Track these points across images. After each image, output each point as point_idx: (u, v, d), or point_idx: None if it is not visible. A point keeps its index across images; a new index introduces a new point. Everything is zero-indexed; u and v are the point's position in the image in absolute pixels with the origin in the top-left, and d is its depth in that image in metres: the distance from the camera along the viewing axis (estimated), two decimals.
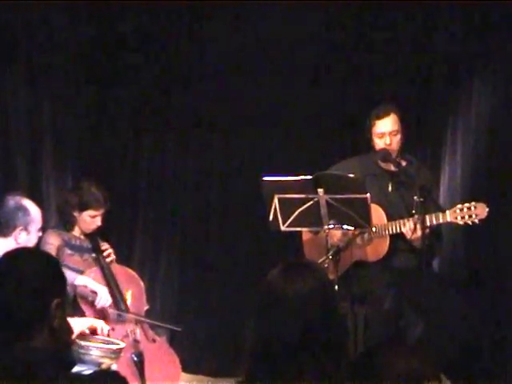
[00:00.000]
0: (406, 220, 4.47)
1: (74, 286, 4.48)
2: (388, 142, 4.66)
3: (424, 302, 4.53)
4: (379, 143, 4.68)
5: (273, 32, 5.55)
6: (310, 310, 2.11)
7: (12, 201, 4.08)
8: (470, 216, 4.43)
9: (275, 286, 2.15)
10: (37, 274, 2.12)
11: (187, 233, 5.91)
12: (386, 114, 4.68)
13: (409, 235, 4.45)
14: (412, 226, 4.39)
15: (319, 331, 2.11)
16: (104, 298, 4.47)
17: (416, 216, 4.39)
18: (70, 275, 4.39)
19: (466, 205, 4.46)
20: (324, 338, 2.11)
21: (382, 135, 4.67)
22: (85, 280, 4.49)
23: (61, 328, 2.14)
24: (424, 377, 1.85)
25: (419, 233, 4.38)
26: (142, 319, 4.68)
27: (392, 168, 4.71)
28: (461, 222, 4.45)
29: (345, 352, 2.19)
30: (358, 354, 2.12)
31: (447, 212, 4.46)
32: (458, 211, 4.45)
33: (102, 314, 4.48)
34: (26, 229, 4.06)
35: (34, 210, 4.13)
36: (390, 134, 4.67)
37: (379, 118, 4.68)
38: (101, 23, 5.65)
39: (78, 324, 3.91)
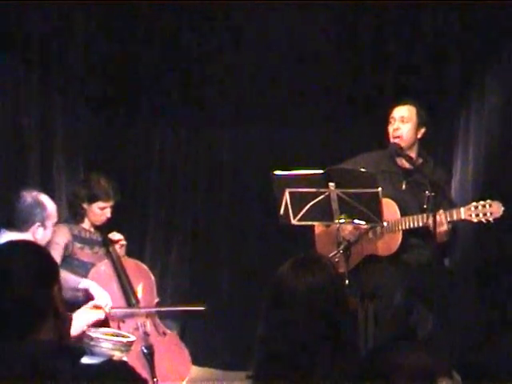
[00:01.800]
0: (422, 215, 4.43)
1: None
2: (395, 126, 4.63)
3: (435, 298, 4.51)
4: (390, 131, 4.67)
5: (281, 27, 5.55)
6: (320, 304, 2.11)
7: (29, 197, 4.11)
8: (485, 214, 4.37)
9: (285, 280, 2.15)
10: (34, 263, 2.13)
11: (198, 227, 5.92)
12: (403, 103, 4.67)
13: (437, 229, 4.41)
14: (441, 219, 4.36)
15: (329, 325, 2.11)
16: (102, 303, 4.37)
17: (441, 210, 4.37)
18: (74, 280, 4.40)
19: (481, 203, 4.40)
20: (334, 332, 2.11)
21: (392, 120, 4.66)
22: (88, 283, 4.45)
23: (63, 313, 2.16)
24: (435, 373, 1.85)
25: (445, 227, 4.36)
26: (164, 309, 4.69)
27: (406, 165, 4.68)
28: (475, 220, 4.39)
29: (355, 347, 2.19)
30: (368, 351, 2.12)
31: (461, 209, 4.42)
32: (472, 209, 4.39)
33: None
34: (43, 224, 4.10)
35: (50, 206, 4.17)
36: (400, 119, 4.64)
37: (395, 106, 4.68)
38: (115, 20, 5.65)
39: (83, 316, 3.91)
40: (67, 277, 4.33)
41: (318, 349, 2.07)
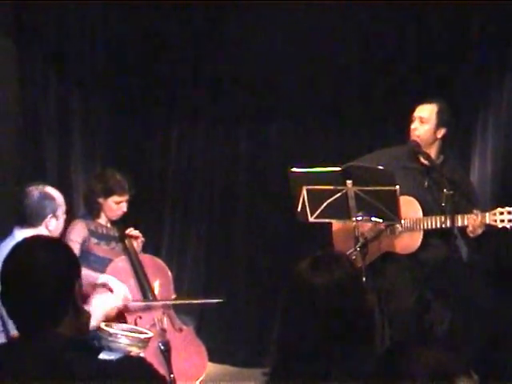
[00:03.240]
0: (445, 216, 4.40)
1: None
2: (413, 126, 4.62)
3: (453, 295, 4.50)
4: (411, 129, 4.65)
5: (299, 27, 5.54)
6: (338, 302, 2.11)
7: (36, 191, 4.12)
8: (510, 220, 4.36)
9: (303, 278, 2.14)
10: (56, 258, 2.13)
11: (215, 223, 5.93)
12: (427, 102, 4.65)
13: (472, 232, 4.40)
14: (477, 221, 4.34)
15: (347, 323, 2.10)
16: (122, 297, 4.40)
17: (478, 211, 4.36)
18: (93, 275, 4.41)
19: (507, 209, 4.37)
20: (352, 330, 2.11)
21: (413, 119, 4.64)
22: (106, 278, 4.46)
23: (82, 309, 2.17)
24: (453, 372, 1.84)
25: (479, 230, 4.35)
26: (181, 302, 4.71)
27: (425, 162, 4.65)
28: (499, 226, 4.37)
29: (372, 345, 2.18)
30: (385, 350, 2.11)
31: (486, 214, 4.39)
32: (497, 214, 4.37)
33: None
34: (54, 215, 4.12)
35: (57, 195, 4.18)
36: (420, 119, 4.62)
37: (420, 103, 4.66)
38: (133, 12, 5.65)
39: (101, 304, 3.93)
40: (86, 273, 4.35)
41: (335, 347, 2.07)
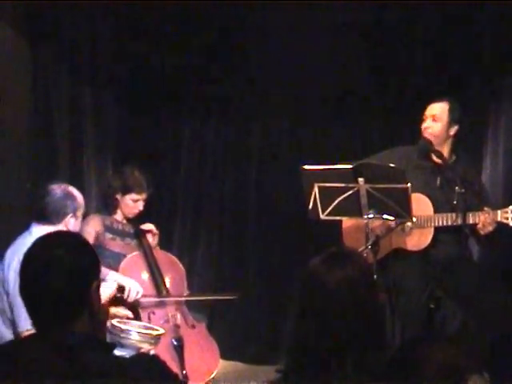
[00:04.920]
0: (457, 214, 4.40)
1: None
2: (426, 124, 4.62)
3: (463, 293, 4.49)
4: (422, 128, 4.65)
5: (311, 25, 5.53)
6: (350, 298, 2.11)
7: (59, 189, 4.18)
8: None
9: (316, 274, 2.15)
10: (76, 257, 2.12)
11: (226, 219, 5.93)
12: (439, 100, 4.65)
13: (483, 230, 4.39)
14: (488, 219, 4.34)
15: (360, 320, 2.11)
16: (133, 291, 4.45)
17: (489, 209, 4.36)
18: (102, 271, 4.42)
19: None
20: (364, 327, 2.11)
21: (425, 118, 4.64)
22: (115, 276, 4.48)
23: (99, 310, 2.17)
24: (464, 370, 1.84)
25: (490, 228, 4.35)
26: (194, 298, 4.74)
27: (439, 161, 4.64)
28: (511, 224, 4.38)
29: (384, 342, 2.19)
30: (396, 348, 2.11)
31: (498, 212, 4.40)
32: (509, 212, 4.38)
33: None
34: (74, 215, 4.17)
35: (79, 196, 4.25)
36: (432, 117, 4.62)
37: (432, 102, 4.65)
38: (145, 9, 5.66)
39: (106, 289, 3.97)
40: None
41: (348, 344, 2.07)
